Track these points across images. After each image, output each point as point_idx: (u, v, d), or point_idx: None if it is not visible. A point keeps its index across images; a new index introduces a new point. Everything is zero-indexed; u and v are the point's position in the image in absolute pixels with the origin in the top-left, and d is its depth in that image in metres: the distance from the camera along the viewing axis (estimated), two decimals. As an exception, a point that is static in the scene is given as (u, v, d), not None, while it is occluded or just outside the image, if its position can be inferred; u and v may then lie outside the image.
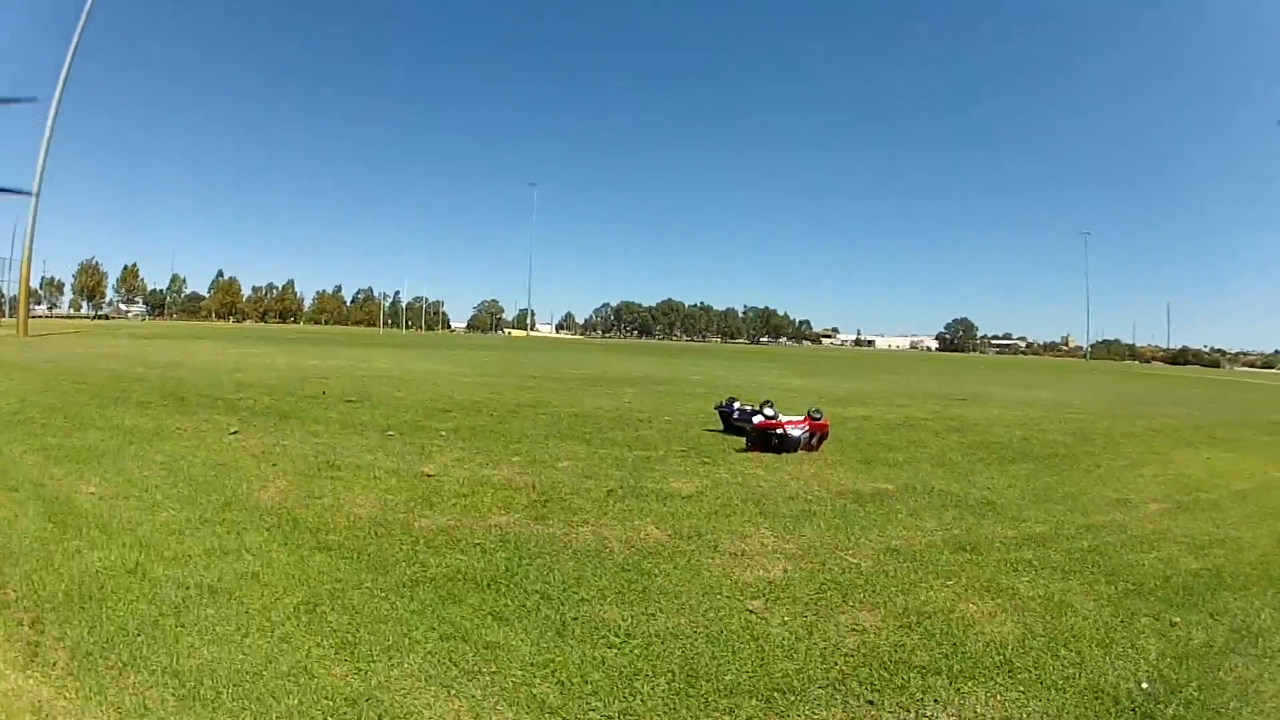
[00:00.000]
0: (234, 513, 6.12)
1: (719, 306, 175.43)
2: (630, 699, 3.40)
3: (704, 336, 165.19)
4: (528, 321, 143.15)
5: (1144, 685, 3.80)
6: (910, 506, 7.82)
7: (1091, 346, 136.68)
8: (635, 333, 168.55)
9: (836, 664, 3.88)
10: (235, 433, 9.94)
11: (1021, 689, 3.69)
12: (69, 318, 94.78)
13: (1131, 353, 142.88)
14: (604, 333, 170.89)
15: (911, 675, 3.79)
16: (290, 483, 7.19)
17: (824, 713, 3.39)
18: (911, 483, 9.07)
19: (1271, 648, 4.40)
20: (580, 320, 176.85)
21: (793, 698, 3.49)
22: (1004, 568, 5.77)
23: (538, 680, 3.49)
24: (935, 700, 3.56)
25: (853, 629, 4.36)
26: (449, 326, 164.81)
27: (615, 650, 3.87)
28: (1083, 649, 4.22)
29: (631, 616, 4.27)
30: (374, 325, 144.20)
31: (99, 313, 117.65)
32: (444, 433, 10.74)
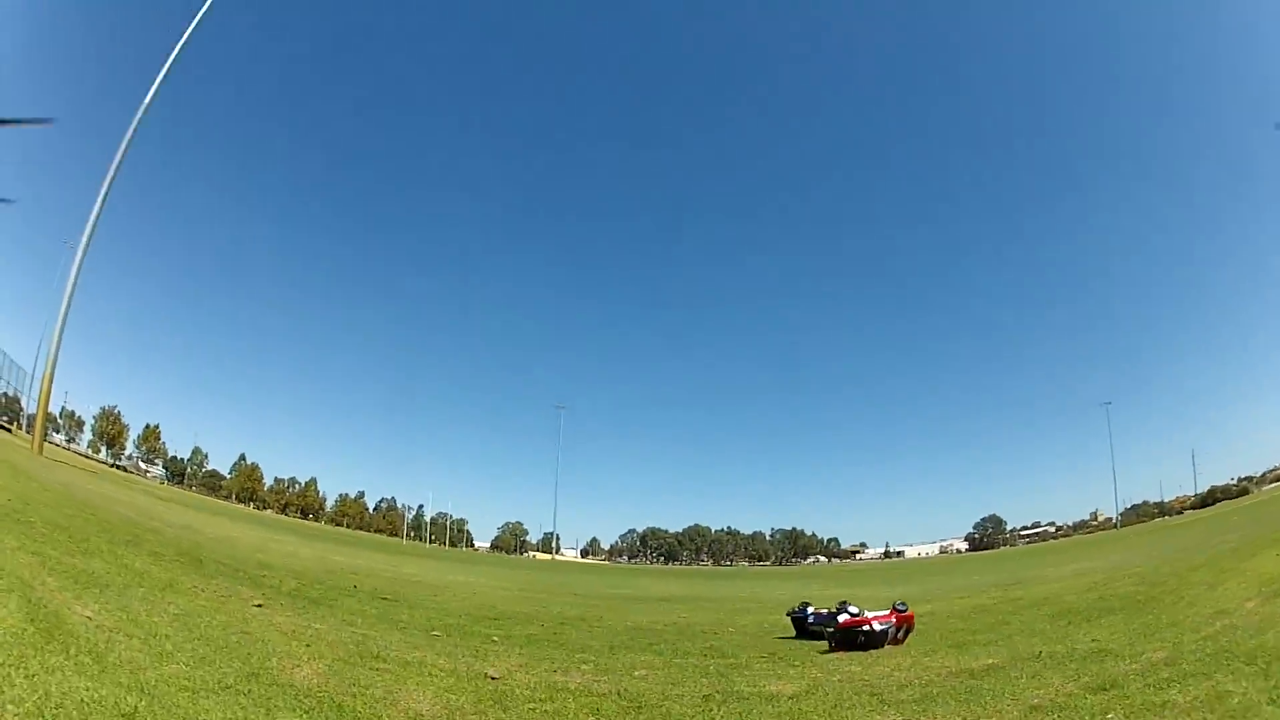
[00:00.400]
0: (261, 685, 5.26)
1: (745, 530, 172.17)
2: None
3: (731, 560, 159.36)
4: (553, 545, 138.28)
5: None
6: (1028, 671, 7.27)
7: (1121, 515, 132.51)
8: (661, 558, 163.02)
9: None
10: (260, 606, 8.84)
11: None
12: (86, 457, 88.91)
13: (1161, 509, 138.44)
14: (630, 558, 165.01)
15: None
16: (328, 667, 6.32)
17: None
18: (1015, 653, 8.47)
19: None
20: (605, 545, 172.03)
21: None
22: (1150, 690, 5.61)
23: None
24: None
25: None
26: (472, 545, 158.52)
27: None
28: (1263, 711, 4.61)
29: None
30: (396, 535, 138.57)
31: (117, 462, 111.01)
32: (496, 638, 9.83)
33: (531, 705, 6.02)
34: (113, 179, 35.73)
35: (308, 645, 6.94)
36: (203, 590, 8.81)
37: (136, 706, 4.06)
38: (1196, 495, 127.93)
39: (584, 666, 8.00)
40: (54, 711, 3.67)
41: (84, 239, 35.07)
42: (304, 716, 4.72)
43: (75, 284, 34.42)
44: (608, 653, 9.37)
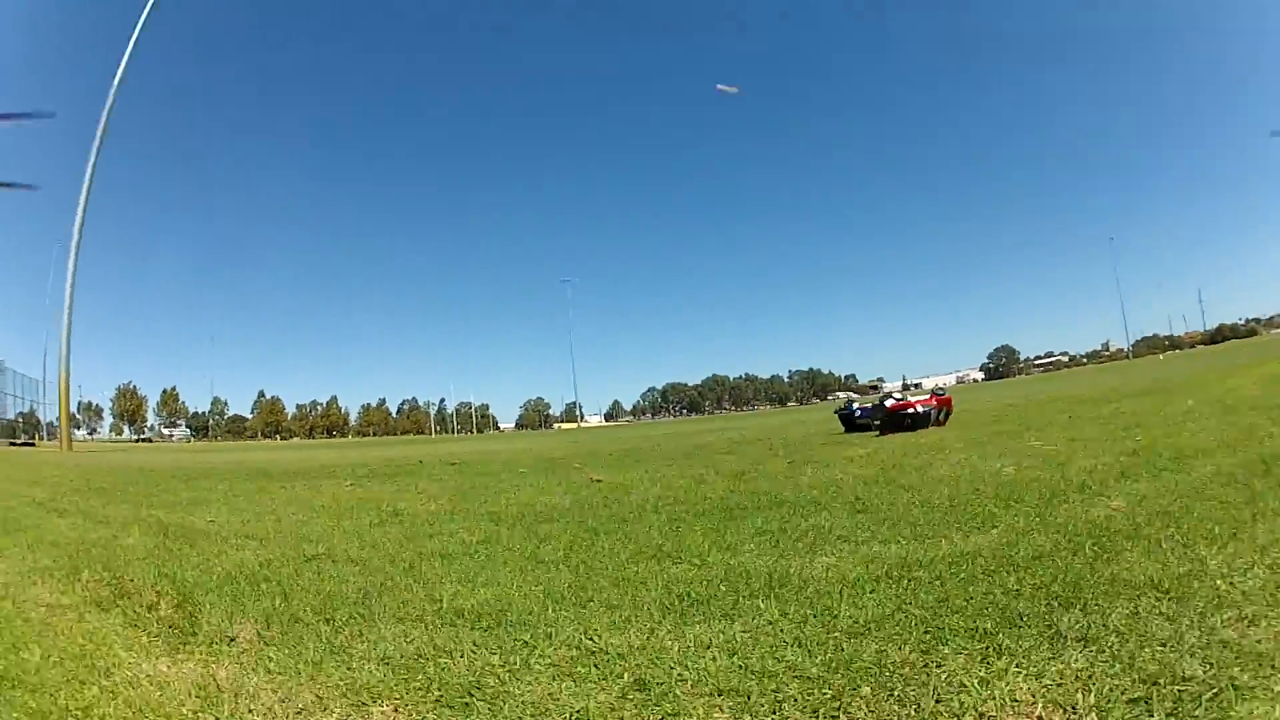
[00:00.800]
0: (406, 518, 5.65)
1: (764, 375, 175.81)
2: (956, 510, 3.85)
3: (752, 406, 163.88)
4: (577, 414, 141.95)
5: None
6: (1061, 425, 8.32)
7: (1132, 346, 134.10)
8: (684, 411, 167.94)
9: (1105, 474, 4.54)
10: (351, 485, 9.22)
11: (1245, 452, 4.90)
12: (111, 441, 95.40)
13: (1172, 343, 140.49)
14: (654, 415, 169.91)
15: (1173, 467, 4.60)
16: (452, 500, 6.80)
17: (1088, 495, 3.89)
18: (1051, 421, 9.39)
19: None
20: (628, 407, 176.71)
21: (1081, 494, 4.07)
22: (1170, 426, 6.67)
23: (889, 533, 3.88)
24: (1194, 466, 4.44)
25: (1098, 464, 4.99)
26: (497, 427, 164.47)
27: (934, 502, 4.37)
28: (1272, 429, 5.59)
29: (924, 494, 4.70)
30: (423, 432, 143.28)
31: (142, 435, 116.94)
32: (578, 465, 10.50)
33: (646, 487, 6.82)
34: (93, 168, 35.51)
35: (420, 493, 7.58)
36: (292, 486, 9.34)
37: (317, 551, 4.33)
38: (1206, 332, 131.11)
39: (670, 469, 8.68)
40: (245, 575, 3.80)
41: (73, 243, 35.20)
42: (462, 520, 5.30)
43: (73, 285, 35.00)
44: (684, 459, 10.24)
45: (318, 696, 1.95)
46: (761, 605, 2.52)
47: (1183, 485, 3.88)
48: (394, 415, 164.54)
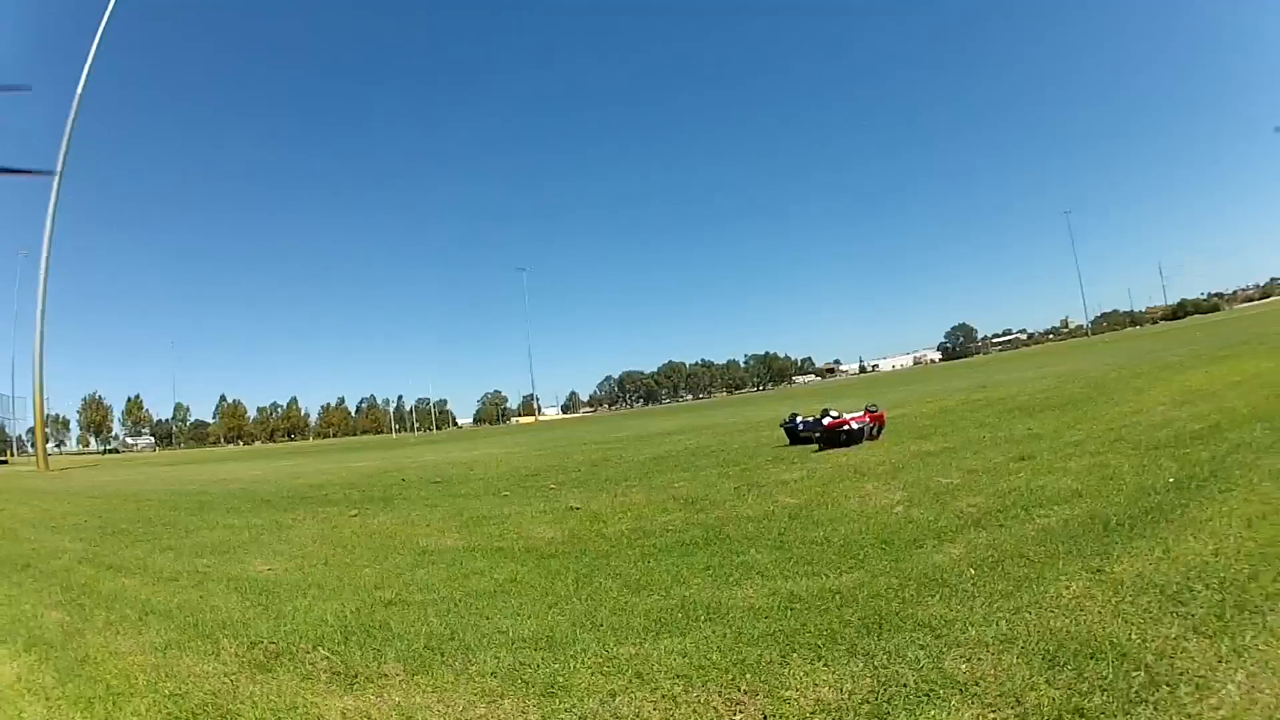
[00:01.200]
0: (436, 556, 6.81)
1: (719, 360, 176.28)
2: (846, 550, 5.48)
3: (709, 393, 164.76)
4: (534, 407, 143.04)
5: (1170, 479, 6.30)
6: (972, 450, 9.97)
7: (1092, 322, 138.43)
8: (641, 401, 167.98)
9: (967, 518, 6.02)
10: (355, 515, 10.26)
11: (1087, 503, 5.95)
12: (79, 454, 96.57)
13: (1132, 318, 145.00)
14: (610, 405, 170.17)
15: (1021, 516, 5.93)
16: (460, 534, 8.07)
17: (967, 538, 5.46)
18: (966, 439, 11.14)
19: (1262, 445, 7.20)
20: (585, 397, 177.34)
21: (936, 540, 5.60)
22: (1055, 459, 8.16)
23: (797, 570, 5.52)
24: (1036, 516, 5.71)
25: (969, 505, 6.56)
26: (455, 423, 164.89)
27: (833, 540, 5.97)
28: (1127, 478, 6.67)
29: (828, 531, 6.34)
30: (381, 432, 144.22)
31: (108, 447, 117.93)
32: (552, 486, 11.82)
33: (618, 515, 8.27)
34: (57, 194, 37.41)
35: (428, 525, 8.85)
36: (304, 519, 10.20)
37: (389, 597, 5.42)
38: (1167, 306, 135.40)
39: (634, 491, 10.12)
40: (357, 622, 4.79)
41: (43, 253, 36.12)
42: (484, 559, 6.58)
43: (44, 302, 37.08)
44: (645, 478, 11.70)
45: (467, 701, 3.44)
46: (703, 625, 4.15)
47: (1012, 538, 5.00)
48: (353, 414, 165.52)
